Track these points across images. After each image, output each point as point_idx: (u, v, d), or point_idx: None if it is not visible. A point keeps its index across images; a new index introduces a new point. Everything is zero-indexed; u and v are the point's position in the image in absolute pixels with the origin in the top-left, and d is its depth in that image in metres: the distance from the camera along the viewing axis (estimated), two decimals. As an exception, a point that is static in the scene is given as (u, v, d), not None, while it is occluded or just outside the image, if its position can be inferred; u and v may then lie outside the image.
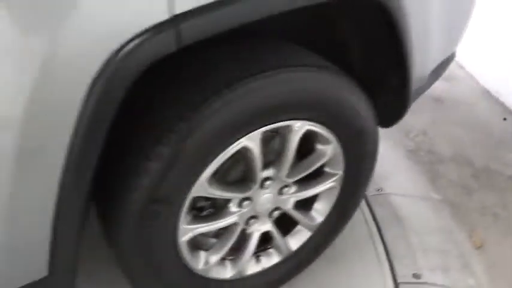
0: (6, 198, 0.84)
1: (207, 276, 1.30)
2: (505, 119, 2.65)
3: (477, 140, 2.46)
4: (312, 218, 1.43)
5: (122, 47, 0.76)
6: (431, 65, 1.41)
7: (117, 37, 0.76)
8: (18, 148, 0.78)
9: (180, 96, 1.00)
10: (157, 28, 0.77)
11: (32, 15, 0.70)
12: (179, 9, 0.78)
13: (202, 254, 1.27)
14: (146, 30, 0.77)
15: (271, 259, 1.44)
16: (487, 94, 2.76)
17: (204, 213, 1.26)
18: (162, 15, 0.77)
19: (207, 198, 1.23)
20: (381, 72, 1.31)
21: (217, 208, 1.25)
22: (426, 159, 2.23)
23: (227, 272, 1.35)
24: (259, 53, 1.07)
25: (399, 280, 1.60)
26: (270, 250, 1.44)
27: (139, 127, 1.01)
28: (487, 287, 1.68)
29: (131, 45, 0.77)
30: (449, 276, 1.66)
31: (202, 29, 0.82)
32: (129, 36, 0.76)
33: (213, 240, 1.33)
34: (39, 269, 1.00)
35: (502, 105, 2.73)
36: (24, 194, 0.85)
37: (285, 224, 1.42)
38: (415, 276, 1.62)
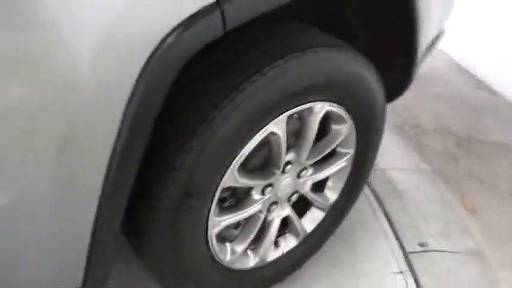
0: (48, 210, 0.80)
1: (233, 267, 1.29)
2: (476, 89, 2.78)
3: (455, 111, 2.57)
4: (326, 199, 1.45)
5: (169, 34, 0.73)
6: (429, 39, 1.44)
7: (166, 23, 0.73)
8: (61, 149, 0.74)
9: (210, 86, 0.97)
10: (205, 12, 0.75)
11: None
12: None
13: (228, 246, 1.26)
14: (194, 15, 0.74)
15: (289, 243, 1.45)
16: (460, 68, 2.88)
17: (226, 204, 1.24)
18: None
19: (228, 189, 1.21)
20: (388, 47, 1.33)
21: (239, 198, 1.24)
22: (412, 133, 2.30)
23: (250, 261, 1.34)
24: (282, 35, 1.05)
25: (407, 250, 1.66)
26: (287, 234, 1.45)
27: (171, 120, 0.98)
28: (486, 248, 1.76)
29: (177, 32, 0.74)
30: (451, 241, 1.74)
31: (244, 12, 0.80)
32: (176, 22, 0.73)
33: (235, 231, 1.32)
34: (74, 280, 0.96)
35: (474, 77, 2.85)
36: (65, 207, 0.81)
37: (298, 207, 1.43)
38: (421, 244, 1.68)
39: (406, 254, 1.64)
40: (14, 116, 0.68)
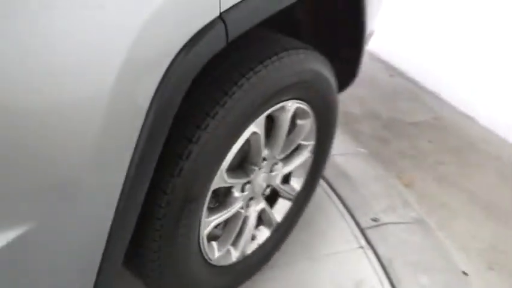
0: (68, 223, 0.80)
1: (219, 264, 1.35)
2: (391, 75, 3.06)
3: (376, 96, 2.82)
4: (292, 189, 1.55)
5: (180, 51, 0.78)
6: (368, 31, 1.60)
7: (177, 41, 0.77)
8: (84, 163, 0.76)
9: (202, 94, 1.02)
10: (210, 27, 0.80)
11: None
12: (224, 6, 0.82)
13: (215, 244, 1.31)
14: (200, 31, 0.79)
15: (263, 234, 1.53)
16: (372, 56, 3.14)
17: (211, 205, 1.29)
18: (214, 14, 0.80)
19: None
20: (337, 39, 1.46)
21: (221, 198, 1.29)
22: (345, 120, 2.50)
23: (233, 257, 1.41)
24: (258, 41, 1.13)
25: (363, 226, 1.82)
26: (261, 227, 1.53)
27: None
28: (425, 216, 1.99)
29: (187, 49, 0.79)
30: (397, 213, 1.94)
31: (245, 22, 0.86)
32: (185, 40, 0.78)
33: (217, 230, 1.37)
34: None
35: (385, 63, 3.14)
36: (82, 225, 0.82)
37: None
38: (374, 220, 1.86)
39: (362, 230, 1.80)
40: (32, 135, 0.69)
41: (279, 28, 1.38)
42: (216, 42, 0.83)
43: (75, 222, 0.80)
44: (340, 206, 1.89)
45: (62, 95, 0.67)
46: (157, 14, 0.72)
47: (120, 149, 0.79)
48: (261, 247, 1.52)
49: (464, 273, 1.79)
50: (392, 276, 1.65)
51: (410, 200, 2.05)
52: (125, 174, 0.81)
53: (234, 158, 1.23)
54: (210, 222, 1.20)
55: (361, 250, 1.73)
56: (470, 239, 1.97)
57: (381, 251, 1.74)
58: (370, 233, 1.81)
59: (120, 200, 0.84)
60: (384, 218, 1.89)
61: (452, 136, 2.59)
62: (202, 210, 1.13)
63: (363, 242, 1.76)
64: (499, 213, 2.12)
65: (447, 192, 2.18)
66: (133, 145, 0.80)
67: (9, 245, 0.73)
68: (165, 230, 1.05)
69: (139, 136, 0.79)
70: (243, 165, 1.28)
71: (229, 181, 1.18)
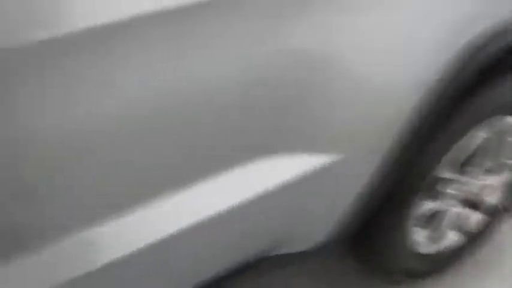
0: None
1: (418, 251, 1.55)
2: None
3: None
4: (488, 202, 1.69)
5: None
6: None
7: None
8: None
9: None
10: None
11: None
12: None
13: (419, 230, 1.53)
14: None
15: (456, 237, 1.67)
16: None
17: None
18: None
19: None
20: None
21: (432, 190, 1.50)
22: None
23: (430, 248, 1.59)
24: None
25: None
26: (454, 229, 1.69)
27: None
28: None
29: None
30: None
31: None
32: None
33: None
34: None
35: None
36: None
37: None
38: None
39: None
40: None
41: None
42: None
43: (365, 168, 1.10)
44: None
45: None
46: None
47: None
48: (452, 248, 1.68)
49: None
50: None
51: None
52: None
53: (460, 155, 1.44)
54: (422, 204, 1.43)
55: None
56: None
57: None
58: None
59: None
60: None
61: None
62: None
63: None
64: None
65: None
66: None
67: (317, 171, 1.05)
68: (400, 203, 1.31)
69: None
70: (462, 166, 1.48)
71: (449, 175, 1.39)
